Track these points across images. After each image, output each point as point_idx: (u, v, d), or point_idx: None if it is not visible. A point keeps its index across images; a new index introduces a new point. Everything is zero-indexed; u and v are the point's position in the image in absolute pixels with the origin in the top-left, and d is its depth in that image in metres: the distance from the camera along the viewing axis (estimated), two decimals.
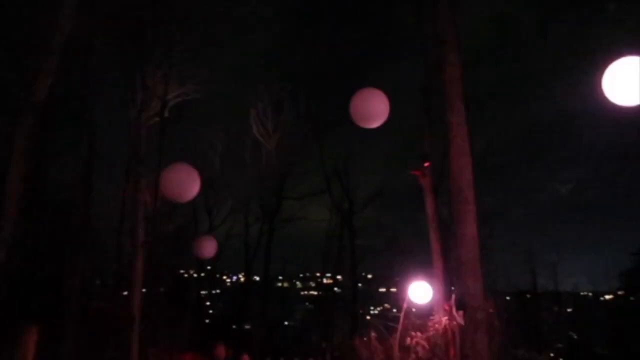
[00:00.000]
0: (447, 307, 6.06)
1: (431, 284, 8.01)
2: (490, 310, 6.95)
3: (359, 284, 29.75)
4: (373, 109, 5.24)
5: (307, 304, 40.85)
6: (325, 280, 32.48)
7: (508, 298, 33.32)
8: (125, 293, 11.83)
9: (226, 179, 22.59)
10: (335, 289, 30.36)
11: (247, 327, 25.99)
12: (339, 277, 29.42)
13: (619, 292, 34.91)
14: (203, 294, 26.93)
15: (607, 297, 38.24)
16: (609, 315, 34.58)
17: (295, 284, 48.18)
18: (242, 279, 32.88)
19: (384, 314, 37.43)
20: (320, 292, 35.30)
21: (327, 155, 24.50)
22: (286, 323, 36.70)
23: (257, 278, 27.25)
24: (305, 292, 46.31)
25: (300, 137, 23.46)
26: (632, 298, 33.32)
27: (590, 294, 39.97)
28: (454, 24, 6.38)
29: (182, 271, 23.51)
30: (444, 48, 6.39)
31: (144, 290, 10.89)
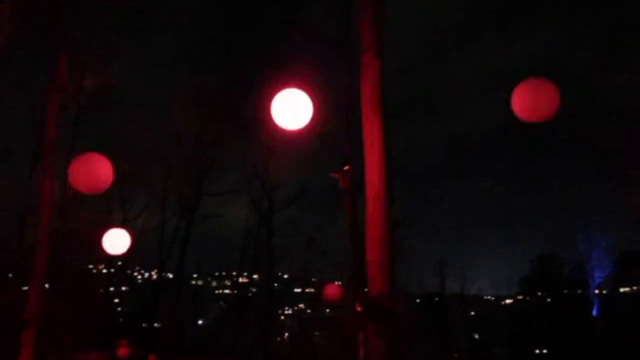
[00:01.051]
0: (358, 308, 6.20)
1: (346, 285, 8.19)
2: (400, 312, 7.18)
3: (275, 284, 29.78)
4: (297, 109, 5.27)
5: (221, 302, 40.31)
6: (241, 280, 32.21)
7: (418, 300, 34.75)
8: (26, 288, 11.14)
9: (144, 171, 21.83)
10: (251, 288, 30.19)
11: (157, 325, 25.24)
12: (255, 276, 29.29)
13: (518, 297, 37.32)
14: (112, 291, 25.86)
15: (508, 301, 40.70)
16: (508, 318, 36.82)
17: (210, 283, 47.38)
18: (154, 276, 31.89)
19: (298, 314, 37.77)
20: (235, 291, 34.98)
21: (250, 152, 24.31)
22: (200, 322, 36.03)
23: (171, 275, 26.53)
24: (220, 291, 45.68)
25: (221, 133, 23.13)
26: (528, 298, 35.71)
27: (492, 298, 42.32)
28: (377, 32, 6.54)
29: (90, 266, 22.41)
30: (365, 54, 6.54)
31: (46, 285, 10.31)
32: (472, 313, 40.33)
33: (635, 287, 33.61)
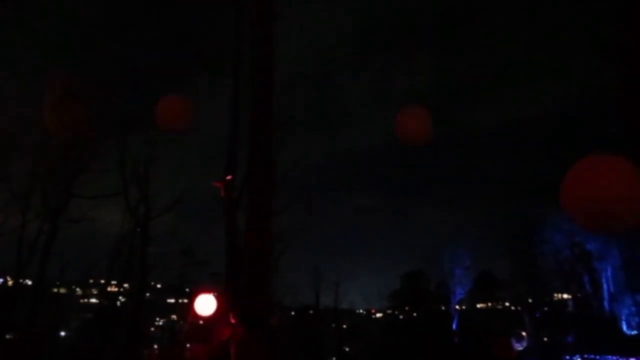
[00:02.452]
0: (232, 320, 6.15)
1: (222, 296, 8.06)
2: (274, 324, 7.22)
3: (147, 294, 28.51)
4: (177, 115, 5.15)
5: (87, 313, 37.68)
6: (110, 288, 30.44)
7: (293, 313, 35.14)
8: None
9: (3, 167, 19.87)
10: (121, 297, 28.61)
11: (9, 337, 22.97)
12: (126, 285, 27.81)
13: (388, 311, 39.16)
14: None
15: (378, 315, 42.50)
16: (377, 331, 38.41)
17: (75, 291, 44.11)
18: (9, 282, 29.04)
19: (170, 326, 36.41)
20: (102, 301, 32.94)
21: (128, 156, 23.17)
22: (63, 334, 33.38)
23: (30, 282, 24.32)
24: (86, 300, 42.70)
25: (99, 133, 21.81)
26: (397, 312, 37.59)
27: (364, 311, 43.92)
28: (268, 47, 6.62)
29: None
30: (255, 67, 6.59)
31: None
32: (344, 326, 41.54)
33: (489, 304, 36.78)
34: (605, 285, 32.31)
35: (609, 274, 31.87)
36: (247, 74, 6.96)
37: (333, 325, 37.55)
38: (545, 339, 30.64)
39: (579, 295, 32.33)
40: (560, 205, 3.12)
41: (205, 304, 8.34)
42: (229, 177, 9.42)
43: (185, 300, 34.41)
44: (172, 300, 35.88)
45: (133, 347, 23.13)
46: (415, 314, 35.14)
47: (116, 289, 28.27)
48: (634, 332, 30.30)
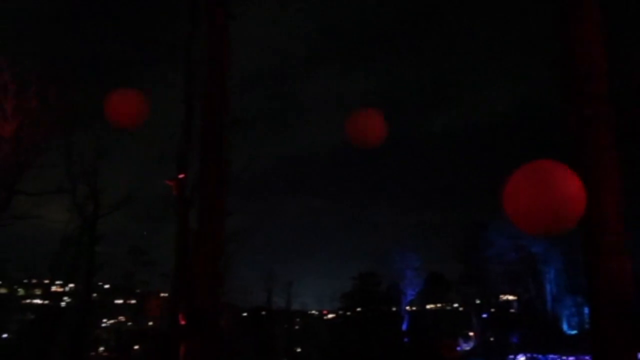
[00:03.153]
0: (181, 321, 6.05)
1: (172, 296, 7.93)
2: (224, 326, 7.15)
3: (94, 294, 27.69)
4: (129, 109, 5.03)
5: (29, 314, 36.20)
6: (54, 288, 29.39)
7: (245, 314, 34.86)
8: None
9: None
10: (65, 298, 27.67)
11: None
12: (71, 285, 26.91)
13: (340, 312, 39.39)
14: None
15: (330, 316, 42.68)
16: (329, 332, 38.57)
17: (16, 291, 42.32)
18: None
19: (117, 327, 35.47)
20: (46, 301, 31.76)
21: (76, 151, 22.38)
22: (5, 336, 32.00)
23: None
24: (29, 301, 41.04)
25: (45, 126, 20.99)
26: (348, 313, 37.86)
27: (316, 312, 44.03)
28: (224, 43, 6.55)
29: None
30: (210, 63, 6.51)
31: None
32: (296, 327, 41.53)
33: (439, 305, 37.54)
34: (547, 287, 33.58)
35: (551, 276, 33.14)
36: (201, 70, 6.85)
37: (285, 326, 37.48)
38: (491, 338, 31.54)
39: (523, 296, 33.45)
40: (503, 209, 3.23)
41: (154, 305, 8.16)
42: (181, 176, 9.25)
43: (134, 301, 33.60)
44: (120, 301, 34.95)
45: (78, 350, 22.40)
46: (366, 315, 35.48)
47: (61, 289, 27.33)
48: (574, 332, 31.59)
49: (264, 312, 35.17)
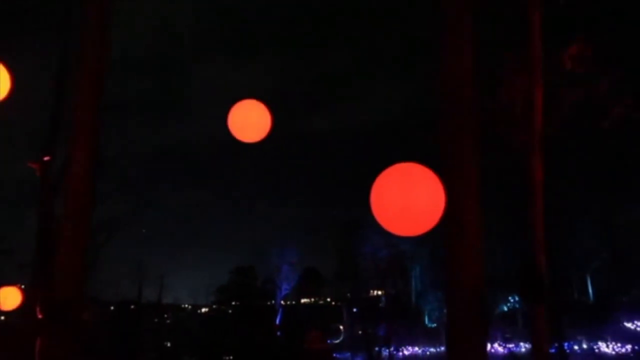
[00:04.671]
0: (39, 314, 5.59)
1: (29, 288, 7.34)
2: (87, 320, 6.75)
3: None
4: None
5: None
6: None
7: (112, 308, 33.03)
8: None
9: None
10: None
11: None
12: None
13: (214, 306, 38.82)
14: None
15: (204, 309, 41.89)
16: (202, 326, 37.87)
17: None
18: None
19: None
20: None
21: None
22: None
23: None
24: None
25: None
26: (223, 307, 37.48)
27: (189, 306, 42.97)
28: (103, 19, 6.12)
29: None
30: (87, 40, 6.07)
31: None
32: (168, 321, 40.26)
33: (313, 299, 38.44)
34: (413, 283, 35.87)
35: (417, 272, 35.44)
36: (77, 45, 6.37)
37: (155, 320, 36.19)
38: (360, 332, 32.92)
39: (391, 291, 35.32)
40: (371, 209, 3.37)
41: (9, 298, 7.52)
42: (46, 158, 8.60)
43: None
44: None
45: None
46: (241, 309, 35.32)
47: None
48: (434, 325, 34.00)
49: (132, 306, 33.65)
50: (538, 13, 6.13)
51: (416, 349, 33.17)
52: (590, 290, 31.83)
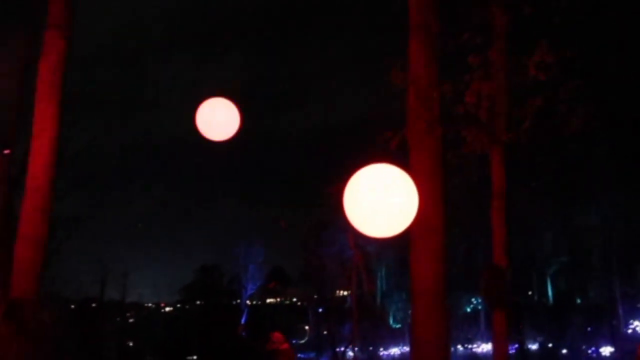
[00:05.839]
0: None
1: None
2: (46, 319, 6.57)
3: None
4: None
5: None
6: None
7: (73, 306, 32.23)
8: None
9: None
10: None
11: None
12: None
13: (178, 305, 38.35)
14: None
15: (168, 309, 41.33)
16: (165, 325, 37.36)
17: None
18: None
19: None
20: None
21: None
22: None
23: None
24: None
25: None
26: (187, 306, 37.04)
27: (153, 305, 42.34)
28: (67, 8, 5.97)
29: None
30: (49, 31, 5.91)
31: None
32: (131, 320, 39.56)
33: (279, 299, 38.31)
34: (379, 284, 36.13)
35: (382, 273, 35.72)
36: (39, 37, 6.18)
37: (117, 319, 35.49)
38: (325, 332, 32.99)
39: (356, 292, 35.48)
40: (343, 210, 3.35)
41: None
42: (6, 151, 8.31)
43: None
44: None
45: None
46: (206, 308, 34.98)
47: None
48: (399, 325, 34.35)
49: (94, 305, 32.94)
50: (504, 18, 6.24)
51: (381, 349, 33.46)
52: (549, 292, 32.66)
